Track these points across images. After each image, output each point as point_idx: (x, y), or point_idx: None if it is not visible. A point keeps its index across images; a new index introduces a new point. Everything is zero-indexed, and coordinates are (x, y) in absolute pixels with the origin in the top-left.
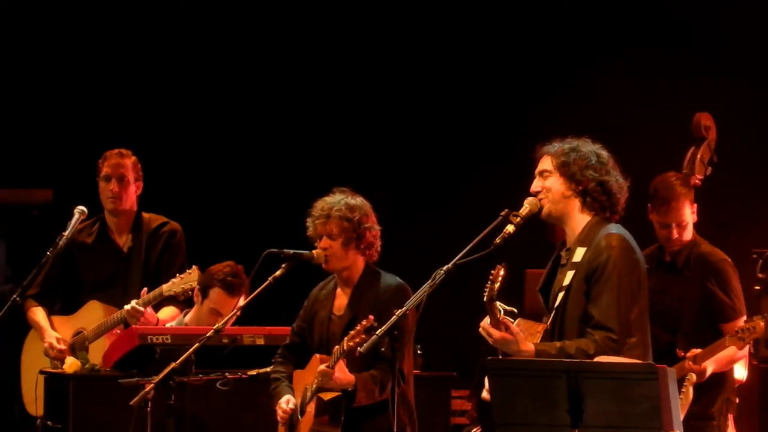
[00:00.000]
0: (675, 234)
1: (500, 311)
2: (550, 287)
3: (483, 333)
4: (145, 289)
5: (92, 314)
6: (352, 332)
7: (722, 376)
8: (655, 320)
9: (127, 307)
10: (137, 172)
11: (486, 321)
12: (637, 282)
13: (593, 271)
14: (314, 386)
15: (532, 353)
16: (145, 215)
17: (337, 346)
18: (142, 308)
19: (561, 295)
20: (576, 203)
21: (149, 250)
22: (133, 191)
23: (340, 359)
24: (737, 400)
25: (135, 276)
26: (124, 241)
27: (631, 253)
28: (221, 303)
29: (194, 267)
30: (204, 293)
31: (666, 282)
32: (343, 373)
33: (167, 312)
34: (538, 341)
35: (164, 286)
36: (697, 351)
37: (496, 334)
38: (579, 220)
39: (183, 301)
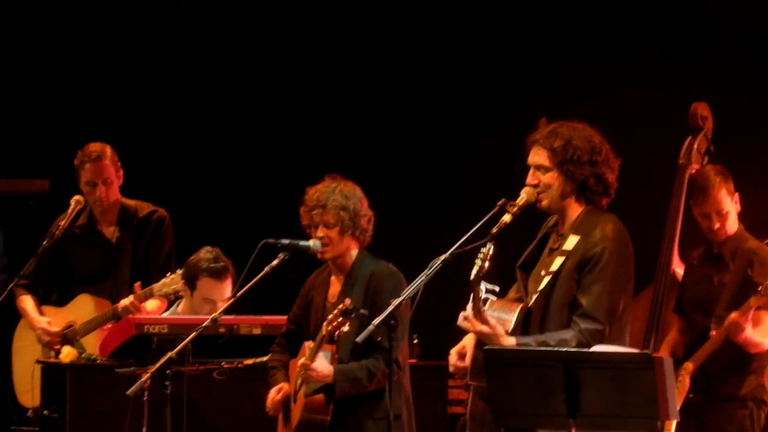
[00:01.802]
0: (716, 224)
1: (482, 290)
2: (532, 266)
3: (463, 324)
4: (139, 283)
5: (83, 308)
6: (329, 317)
7: (751, 357)
8: (695, 307)
9: (125, 302)
10: (116, 164)
11: (468, 310)
12: (628, 276)
13: (587, 260)
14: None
15: (513, 347)
16: (131, 202)
17: (313, 339)
18: (139, 304)
19: (547, 279)
20: (574, 196)
21: (138, 239)
22: (117, 184)
23: (319, 352)
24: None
25: (125, 267)
26: (111, 231)
27: (626, 246)
28: (211, 290)
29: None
30: (191, 285)
31: (710, 272)
32: (321, 367)
33: (152, 305)
34: (513, 319)
35: (155, 286)
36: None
37: (477, 326)
38: (574, 208)
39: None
